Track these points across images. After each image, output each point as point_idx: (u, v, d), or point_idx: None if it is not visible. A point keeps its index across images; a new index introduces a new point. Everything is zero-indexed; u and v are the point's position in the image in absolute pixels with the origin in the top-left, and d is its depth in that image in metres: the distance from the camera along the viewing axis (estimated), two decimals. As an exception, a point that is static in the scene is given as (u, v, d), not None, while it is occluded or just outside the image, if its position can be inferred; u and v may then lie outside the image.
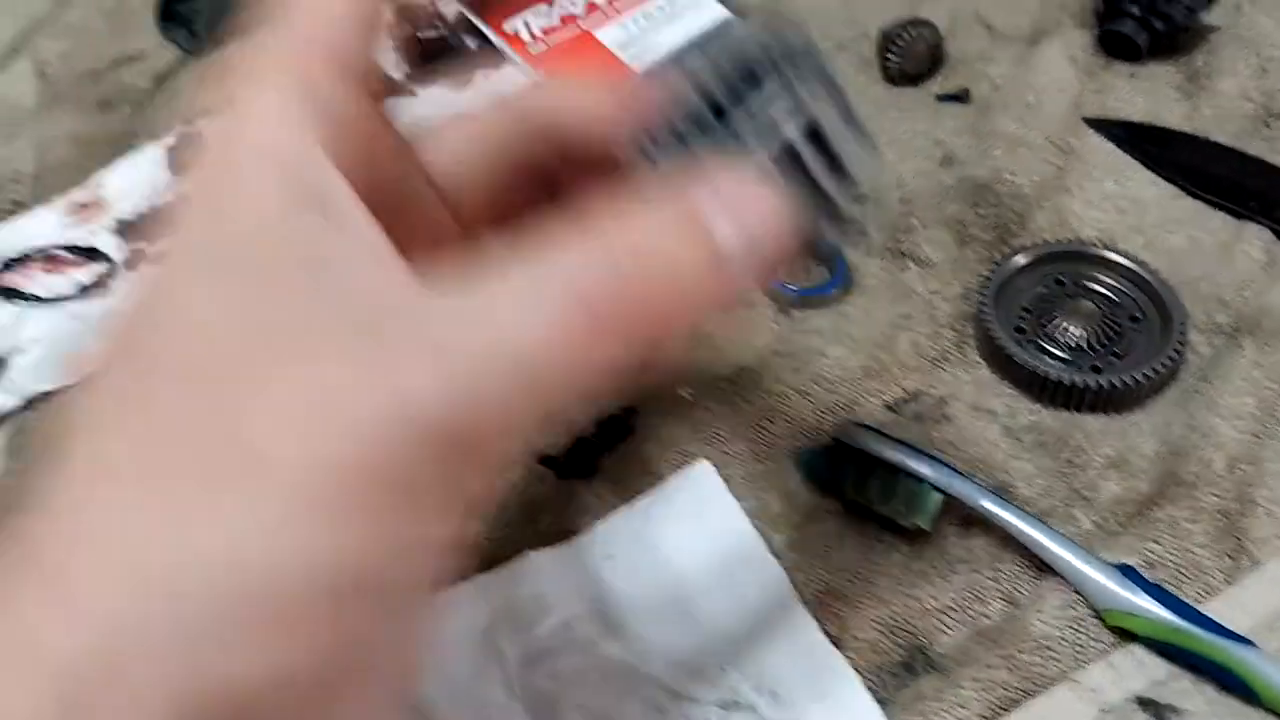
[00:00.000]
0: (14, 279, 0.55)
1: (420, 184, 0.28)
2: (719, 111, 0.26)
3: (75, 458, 0.22)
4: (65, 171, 0.65)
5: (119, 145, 0.66)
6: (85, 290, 0.55)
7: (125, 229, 0.59)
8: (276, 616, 0.20)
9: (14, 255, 0.56)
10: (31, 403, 0.53)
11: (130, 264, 0.57)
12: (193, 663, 0.20)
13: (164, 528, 0.20)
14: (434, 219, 0.29)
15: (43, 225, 0.59)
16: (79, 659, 0.19)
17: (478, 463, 0.22)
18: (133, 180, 0.61)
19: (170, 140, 0.63)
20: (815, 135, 0.25)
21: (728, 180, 0.24)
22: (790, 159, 0.25)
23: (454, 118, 0.30)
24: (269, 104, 0.23)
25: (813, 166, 0.25)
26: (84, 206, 0.60)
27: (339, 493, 0.20)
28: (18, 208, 0.63)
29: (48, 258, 0.56)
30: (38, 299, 0.54)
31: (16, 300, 0.53)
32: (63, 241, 0.58)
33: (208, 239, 0.22)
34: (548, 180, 0.30)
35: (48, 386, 0.53)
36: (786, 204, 0.24)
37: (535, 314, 0.22)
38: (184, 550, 0.20)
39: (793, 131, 0.25)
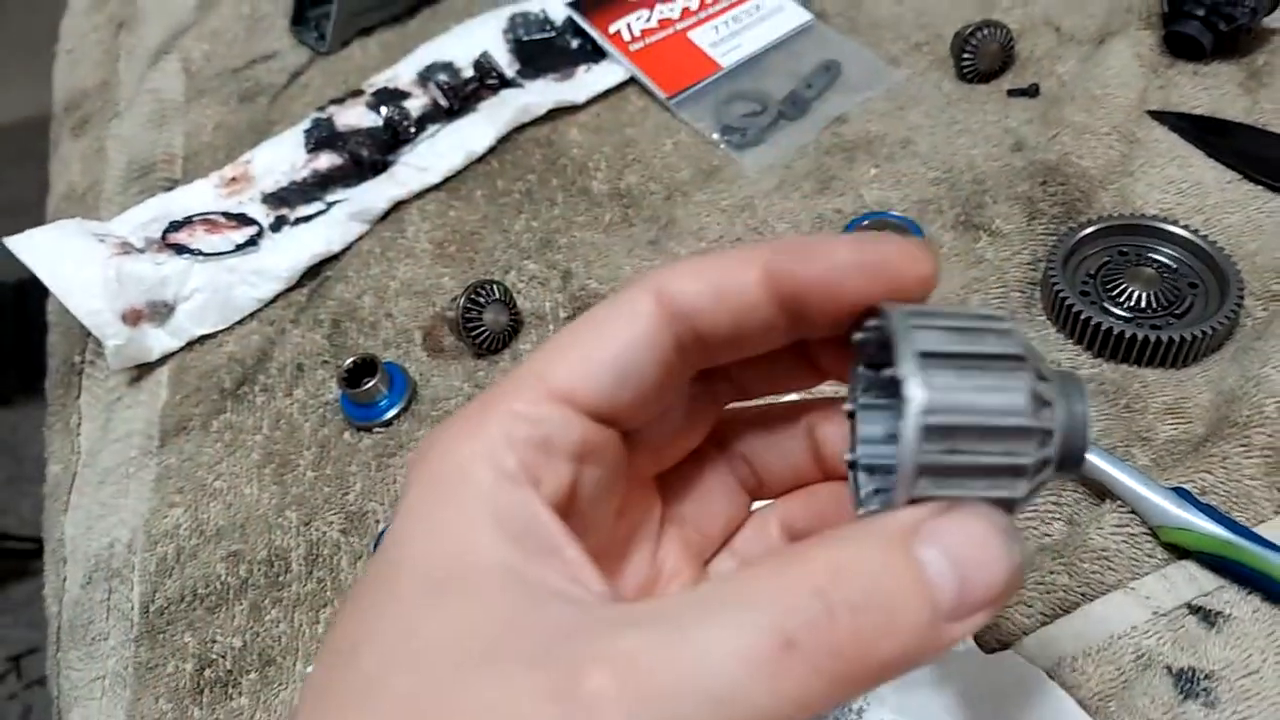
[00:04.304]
0: (180, 237, 0.62)
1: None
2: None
3: None
4: (211, 153, 0.73)
5: (258, 131, 0.73)
6: (239, 248, 0.62)
7: (269, 199, 0.66)
8: None
9: (178, 218, 0.63)
10: (191, 345, 0.60)
11: (274, 227, 0.64)
12: None
13: None
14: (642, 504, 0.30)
15: (200, 195, 0.66)
16: None
17: None
18: (275, 158, 0.69)
19: (306, 125, 0.70)
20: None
21: (954, 530, 0.22)
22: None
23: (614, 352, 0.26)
24: (493, 437, 0.25)
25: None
26: (233, 180, 0.67)
27: None
28: (171, 184, 0.70)
29: (207, 221, 0.63)
30: (201, 254, 0.60)
31: (184, 255, 0.60)
32: (218, 208, 0.65)
33: (425, 566, 0.24)
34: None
35: (207, 330, 0.60)
36: (1013, 555, 0.22)
37: (736, 648, 0.21)
38: None
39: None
